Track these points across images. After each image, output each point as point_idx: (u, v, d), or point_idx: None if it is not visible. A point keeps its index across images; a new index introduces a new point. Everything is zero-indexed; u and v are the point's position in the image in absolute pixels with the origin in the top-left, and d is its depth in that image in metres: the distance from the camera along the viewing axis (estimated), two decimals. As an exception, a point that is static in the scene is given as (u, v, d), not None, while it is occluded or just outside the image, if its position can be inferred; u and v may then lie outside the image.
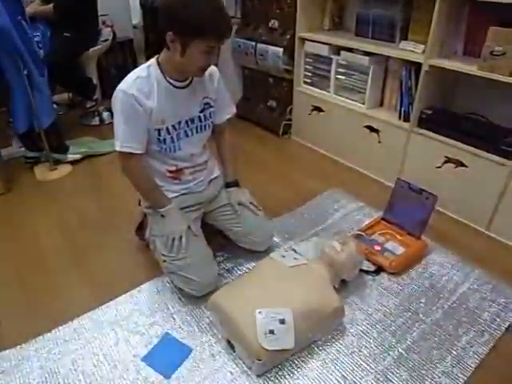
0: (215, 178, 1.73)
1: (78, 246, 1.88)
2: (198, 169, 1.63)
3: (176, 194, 1.60)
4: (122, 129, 1.40)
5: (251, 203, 1.70)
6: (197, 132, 1.56)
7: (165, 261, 1.52)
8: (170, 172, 1.57)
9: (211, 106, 1.57)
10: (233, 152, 1.77)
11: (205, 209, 1.71)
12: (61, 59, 2.62)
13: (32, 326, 1.46)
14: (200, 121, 1.55)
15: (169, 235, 1.49)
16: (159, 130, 1.46)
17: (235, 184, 1.73)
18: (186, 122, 1.51)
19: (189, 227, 1.52)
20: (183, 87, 1.47)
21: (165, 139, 1.48)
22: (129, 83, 1.37)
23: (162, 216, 1.53)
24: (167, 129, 1.47)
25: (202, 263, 1.52)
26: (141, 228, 1.80)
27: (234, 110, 1.72)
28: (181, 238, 1.48)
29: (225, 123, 1.70)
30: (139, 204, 1.70)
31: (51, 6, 2.67)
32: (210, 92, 1.55)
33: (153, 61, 1.42)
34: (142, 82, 1.37)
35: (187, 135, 1.53)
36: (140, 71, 1.40)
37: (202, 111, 1.54)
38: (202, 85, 1.52)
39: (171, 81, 1.43)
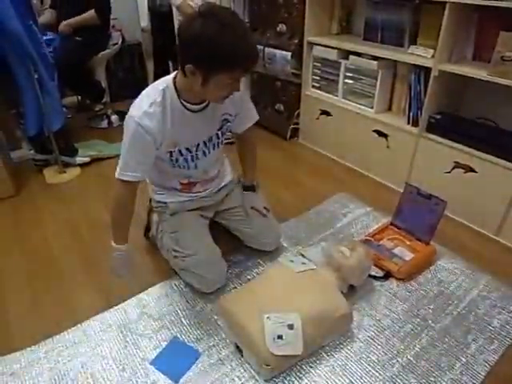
0: (225, 185, 1.74)
1: (87, 248, 1.89)
2: (210, 180, 1.66)
3: (185, 199, 1.62)
4: (126, 156, 1.34)
5: (265, 208, 1.73)
6: (213, 149, 1.54)
7: (176, 257, 1.55)
8: (182, 184, 1.59)
9: (229, 122, 1.52)
10: (255, 159, 1.78)
11: (215, 209, 1.73)
12: (72, 63, 2.65)
13: (41, 328, 1.47)
14: (217, 138, 1.52)
15: (113, 273, 1.51)
16: (171, 152, 1.43)
17: (252, 188, 1.75)
18: (205, 142, 1.48)
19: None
20: (200, 110, 1.40)
21: (177, 159, 1.46)
22: (142, 110, 1.28)
23: (171, 215, 1.59)
24: (179, 151, 1.44)
25: (211, 260, 1.55)
26: (149, 230, 1.82)
27: (256, 116, 1.65)
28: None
29: (248, 130, 1.66)
30: (150, 201, 1.73)
31: (91, 12, 2.73)
32: (230, 108, 1.47)
33: (169, 82, 1.33)
34: (156, 109, 1.29)
35: (205, 154, 1.51)
36: (155, 94, 1.31)
37: (219, 129, 1.50)
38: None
39: (187, 105, 1.35)
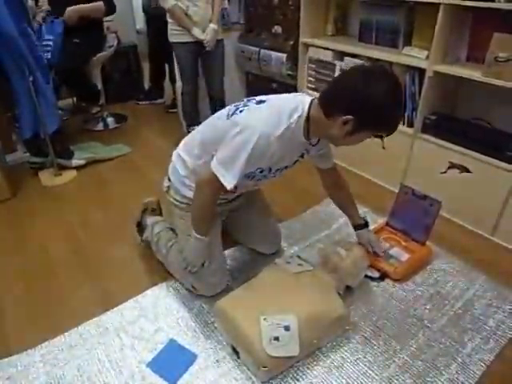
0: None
1: (83, 251, 1.89)
2: (245, 191, 1.64)
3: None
4: (240, 167, 1.24)
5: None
6: (277, 176, 1.50)
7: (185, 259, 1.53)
8: None
9: (302, 158, 1.49)
10: (351, 194, 1.71)
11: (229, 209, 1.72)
12: (72, 65, 2.64)
13: (38, 331, 1.47)
14: (285, 168, 1.48)
15: (190, 262, 1.49)
16: (257, 168, 1.36)
17: (366, 224, 1.71)
18: (281, 169, 1.45)
19: (203, 264, 1.51)
20: (311, 144, 1.38)
21: (254, 171, 1.37)
22: (279, 132, 1.23)
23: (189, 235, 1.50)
24: (262, 169, 1.37)
25: (219, 267, 1.56)
26: (139, 225, 1.83)
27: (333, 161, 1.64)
28: (202, 264, 1.50)
29: (333, 168, 1.64)
30: (167, 191, 1.62)
31: (99, 3, 2.70)
32: (312, 149, 1.46)
33: (304, 112, 1.27)
34: (286, 134, 1.25)
35: (273, 178, 1.48)
36: (291, 119, 1.25)
37: (294, 163, 1.48)
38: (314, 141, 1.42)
39: (308, 140, 1.33)
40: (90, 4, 2.71)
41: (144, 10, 3.49)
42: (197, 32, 2.46)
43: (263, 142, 1.22)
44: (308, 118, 1.27)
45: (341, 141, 1.27)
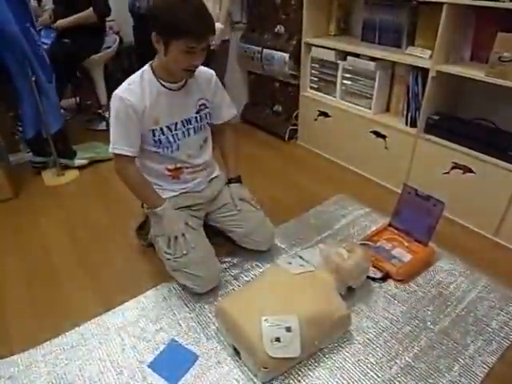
0: (215, 177, 1.78)
1: (85, 251, 1.89)
2: (197, 169, 1.68)
3: (176, 193, 1.65)
4: (114, 131, 1.48)
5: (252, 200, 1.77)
6: (194, 133, 1.61)
7: (169, 259, 1.55)
8: (169, 170, 1.62)
9: (207, 107, 1.63)
10: (236, 151, 1.81)
11: (206, 209, 1.73)
12: (60, 64, 2.57)
13: (39, 331, 1.47)
14: (196, 121, 1.60)
15: (170, 234, 1.53)
16: (153, 131, 1.51)
17: (237, 180, 1.78)
18: (182, 122, 1.57)
19: (186, 223, 1.57)
20: (177, 89, 1.52)
21: (160, 140, 1.54)
22: (123, 88, 1.46)
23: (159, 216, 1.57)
24: (161, 129, 1.53)
25: (204, 259, 1.55)
26: (142, 228, 1.83)
27: (234, 111, 1.77)
28: (183, 235, 1.53)
29: (225, 123, 1.75)
30: (142, 206, 1.74)
31: (89, 10, 2.67)
32: (206, 94, 1.61)
33: (147, 66, 1.50)
34: (134, 87, 1.46)
35: (185, 136, 1.58)
36: (134, 76, 1.49)
37: (197, 112, 1.60)
38: (198, 87, 1.58)
39: (164, 83, 1.49)
40: (80, 14, 2.67)
41: (130, 11, 3.45)
42: None
43: (117, 102, 1.44)
44: (153, 67, 1.49)
45: (170, 64, 1.41)
